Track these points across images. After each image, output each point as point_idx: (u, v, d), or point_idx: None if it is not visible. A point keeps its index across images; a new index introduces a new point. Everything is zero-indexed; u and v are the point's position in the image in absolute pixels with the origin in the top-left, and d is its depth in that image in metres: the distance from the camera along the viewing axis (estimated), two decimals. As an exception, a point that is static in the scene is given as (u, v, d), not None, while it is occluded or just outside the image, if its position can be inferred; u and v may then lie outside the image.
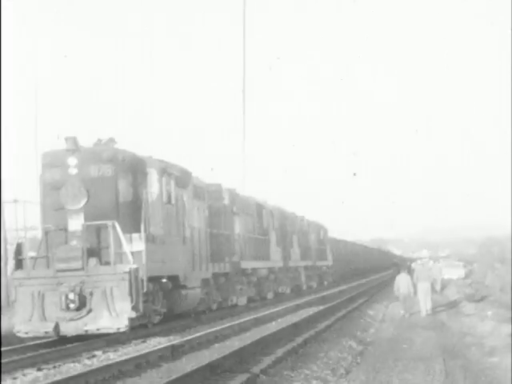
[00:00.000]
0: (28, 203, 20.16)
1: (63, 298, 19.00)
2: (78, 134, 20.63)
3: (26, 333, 19.29)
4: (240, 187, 31.93)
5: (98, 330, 19.01)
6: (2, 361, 15.66)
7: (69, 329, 19.08)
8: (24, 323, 19.25)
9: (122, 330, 18.99)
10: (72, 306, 18.96)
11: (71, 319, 19.01)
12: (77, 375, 12.84)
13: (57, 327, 19.00)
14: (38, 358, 16.44)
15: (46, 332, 19.12)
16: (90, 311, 19.02)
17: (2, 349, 17.72)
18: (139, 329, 20.04)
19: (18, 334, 19.35)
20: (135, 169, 20.71)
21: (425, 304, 28.26)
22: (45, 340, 19.44)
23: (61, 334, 19.16)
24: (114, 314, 18.92)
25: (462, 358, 16.01)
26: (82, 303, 19.02)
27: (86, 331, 19.01)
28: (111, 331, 19.03)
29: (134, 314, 18.94)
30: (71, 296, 18.97)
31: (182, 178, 23.42)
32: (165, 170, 21.86)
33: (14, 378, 13.98)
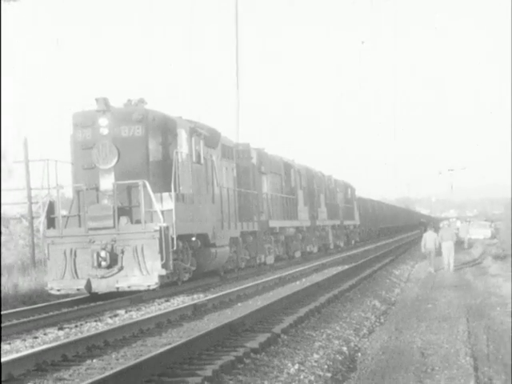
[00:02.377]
0: (59, 162, 20.50)
1: (95, 255, 19.37)
2: (107, 95, 20.90)
3: (59, 290, 19.71)
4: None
5: (129, 287, 19.40)
6: (25, 320, 15.98)
7: (100, 286, 19.49)
8: (56, 280, 19.67)
9: (152, 288, 19.36)
10: (103, 263, 19.34)
11: (103, 276, 19.39)
12: (96, 334, 12.73)
13: (88, 284, 19.40)
14: (61, 317, 16.52)
15: (78, 289, 19.52)
16: (121, 269, 19.39)
17: (26, 308, 18.09)
18: (165, 287, 20.34)
19: (51, 291, 19.77)
20: (165, 129, 20.96)
21: (448, 261, 29.76)
22: (69, 299, 19.70)
23: (92, 291, 19.56)
24: (144, 271, 19.28)
25: (486, 319, 16.09)
26: (113, 261, 19.40)
27: (118, 288, 19.41)
28: (142, 288, 19.42)
29: (164, 272, 19.28)
30: (103, 254, 19.34)
31: (211, 138, 23.67)
32: (194, 130, 22.10)
33: (35, 338, 13.92)
